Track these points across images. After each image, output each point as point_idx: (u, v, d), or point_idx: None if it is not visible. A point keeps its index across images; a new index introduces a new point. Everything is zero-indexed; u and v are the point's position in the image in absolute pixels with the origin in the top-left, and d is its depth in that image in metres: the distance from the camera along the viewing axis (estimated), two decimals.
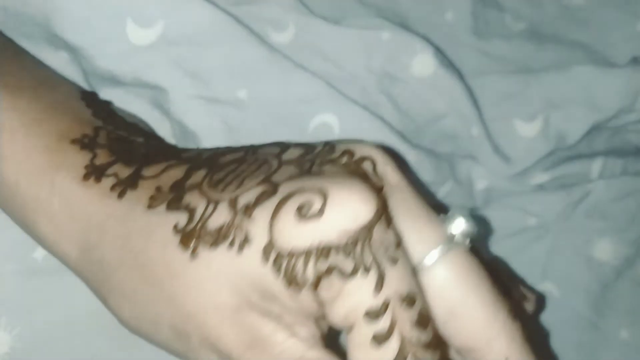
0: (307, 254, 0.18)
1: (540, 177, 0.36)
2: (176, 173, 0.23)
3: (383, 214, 0.19)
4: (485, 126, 0.34)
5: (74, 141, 0.25)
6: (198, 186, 0.21)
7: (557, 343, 0.34)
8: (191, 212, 0.20)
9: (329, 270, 0.18)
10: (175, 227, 0.21)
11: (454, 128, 0.33)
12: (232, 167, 0.21)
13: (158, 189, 0.22)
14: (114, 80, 0.29)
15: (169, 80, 0.29)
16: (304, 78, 0.30)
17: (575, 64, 0.34)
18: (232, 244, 0.19)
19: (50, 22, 0.27)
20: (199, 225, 0.20)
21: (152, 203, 0.22)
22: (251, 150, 0.23)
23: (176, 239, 0.20)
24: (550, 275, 0.36)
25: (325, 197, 0.18)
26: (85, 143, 0.25)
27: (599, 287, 0.36)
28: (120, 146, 0.26)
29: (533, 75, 0.34)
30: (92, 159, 0.25)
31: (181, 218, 0.21)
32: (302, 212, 0.18)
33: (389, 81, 0.32)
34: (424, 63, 0.32)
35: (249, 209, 0.19)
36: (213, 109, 0.30)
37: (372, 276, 0.18)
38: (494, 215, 0.35)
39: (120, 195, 0.23)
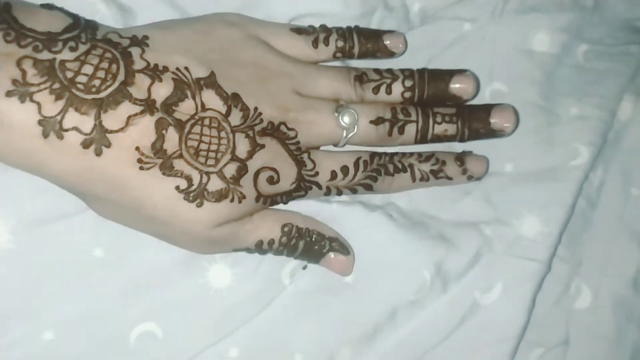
0: (273, 196, 0.31)
1: None
2: (144, 129, 0.27)
3: (301, 182, 0.32)
4: None
5: (9, 94, 0.25)
6: (181, 155, 0.28)
7: (515, 134, 0.36)
8: (189, 179, 0.28)
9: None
10: (177, 187, 0.28)
11: None
12: (196, 133, 0.28)
13: (138, 150, 0.27)
14: None
15: None
16: None
17: None
18: (232, 200, 0.29)
19: None
20: (202, 188, 0.28)
21: (143, 166, 0.27)
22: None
23: (181, 195, 0.28)
24: (496, 76, 0.38)
25: (277, 173, 0.31)
26: (22, 92, 0.25)
27: (543, 76, 0.38)
28: (51, 76, 0.26)
29: None
30: (40, 111, 0.25)
31: (181, 182, 0.28)
32: (270, 181, 0.31)
33: None
34: None
35: (236, 180, 0.29)
36: None
37: None
38: (431, 30, 0.37)
39: (98, 152, 0.26)
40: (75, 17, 0.28)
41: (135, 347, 0.32)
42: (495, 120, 0.35)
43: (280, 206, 0.33)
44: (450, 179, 0.35)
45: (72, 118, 0.26)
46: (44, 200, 0.30)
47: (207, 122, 0.29)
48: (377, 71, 0.34)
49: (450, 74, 0.35)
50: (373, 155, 0.34)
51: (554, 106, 0.38)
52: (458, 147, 0.36)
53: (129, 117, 0.27)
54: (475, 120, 0.34)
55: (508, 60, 0.38)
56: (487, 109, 0.35)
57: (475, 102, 0.36)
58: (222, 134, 0.29)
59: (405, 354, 0.35)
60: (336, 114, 0.32)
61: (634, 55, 0.39)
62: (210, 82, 0.29)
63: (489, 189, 0.37)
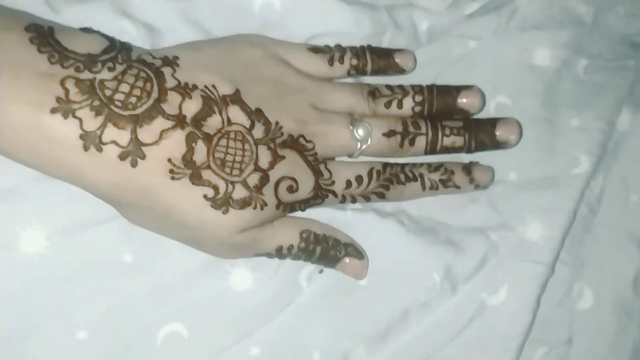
0: (292, 204, 0.33)
1: (471, 7, 0.40)
2: (176, 142, 0.29)
3: (318, 190, 0.34)
4: None
5: (54, 110, 0.27)
6: (208, 166, 0.30)
7: (518, 144, 0.38)
8: (216, 188, 0.30)
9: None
10: (205, 196, 0.30)
11: None
12: (222, 145, 0.31)
13: (170, 161, 0.29)
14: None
15: None
16: None
17: None
18: (255, 207, 0.31)
19: None
20: (227, 196, 0.30)
21: (174, 176, 0.29)
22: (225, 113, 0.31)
23: (208, 203, 0.30)
24: (500, 89, 0.39)
25: (297, 182, 0.33)
26: (65, 109, 0.27)
27: (545, 89, 0.39)
28: (91, 94, 0.28)
29: None
30: (81, 126, 0.28)
31: (208, 191, 0.30)
32: (289, 189, 0.33)
33: None
34: None
35: (259, 188, 0.31)
36: (171, 5, 0.33)
37: None
38: (438, 47, 0.39)
39: (134, 164, 0.28)
40: (111, 40, 0.30)
41: (162, 346, 0.34)
42: (500, 133, 0.37)
43: (298, 213, 0.35)
44: (458, 187, 0.37)
45: (110, 132, 0.28)
46: (78, 209, 0.32)
47: (232, 135, 0.31)
48: (388, 87, 0.36)
49: (457, 89, 0.37)
50: (385, 165, 0.36)
51: (556, 118, 0.40)
52: (465, 157, 0.38)
53: (162, 132, 0.29)
54: (482, 133, 0.37)
55: (511, 74, 0.40)
56: (493, 122, 0.37)
57: (480, 114, 0.38)
58: (246, 146, 0.31)
59: (417, 352, 0.36)
60: (351, 127, 0.35)
61: (632, 69, 0.41)
62: (236, 98, 0.31)
63: (494, 197, 0.39)
